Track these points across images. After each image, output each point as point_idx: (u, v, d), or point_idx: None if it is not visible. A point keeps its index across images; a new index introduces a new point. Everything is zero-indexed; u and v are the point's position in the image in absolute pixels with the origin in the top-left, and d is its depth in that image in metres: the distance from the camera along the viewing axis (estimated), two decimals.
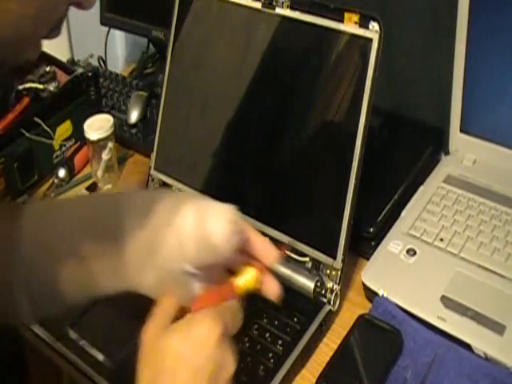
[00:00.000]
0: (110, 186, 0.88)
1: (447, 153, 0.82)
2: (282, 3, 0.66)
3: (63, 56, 1.02)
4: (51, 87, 0.90)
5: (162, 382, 0.45)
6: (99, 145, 0.85)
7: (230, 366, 0.47)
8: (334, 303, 0.65)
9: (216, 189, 0.74)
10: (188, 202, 0.53)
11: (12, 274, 0.51)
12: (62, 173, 0.88)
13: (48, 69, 0.93)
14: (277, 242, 0.61)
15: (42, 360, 0.63)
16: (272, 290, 0.54)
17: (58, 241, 0.52)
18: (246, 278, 0.53)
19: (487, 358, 0.59)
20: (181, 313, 0.50)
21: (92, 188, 0.87)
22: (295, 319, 0.64)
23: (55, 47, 1.13)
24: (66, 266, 0.52)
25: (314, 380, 0.60)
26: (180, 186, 0.77)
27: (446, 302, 0.63)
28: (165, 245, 0.51)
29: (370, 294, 0.67)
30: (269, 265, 0.55)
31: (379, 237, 0.72)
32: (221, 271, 0.53)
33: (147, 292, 0.52)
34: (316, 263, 0.65)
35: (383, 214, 0.73)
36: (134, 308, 0.53)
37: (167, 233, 0.51)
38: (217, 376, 0.46)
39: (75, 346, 0.63)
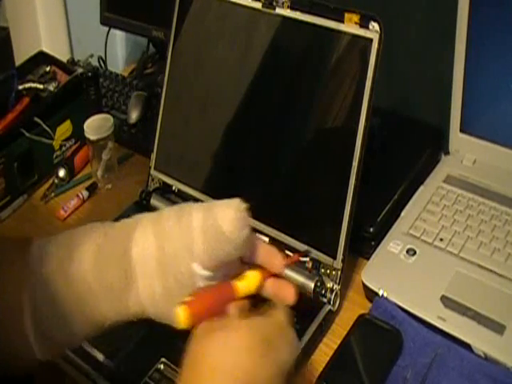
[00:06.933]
0: (109, 186, 0.89)
1: (447, 153, 0.82)
2: (282, 3, 0.66)
3: (63, 56, 1.02)
4: (51, 87, 0.90)
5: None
6: (99, 145, 0.85)
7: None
8: (334, 303, 0.65)
9: (216, 189, 0.74)
10: (193, 204, 0.52)
11: (24, 311, 0.49)
12: (62, 173, 0.88)
13: (48, 69, 0.93)
14: (292, 250, 0.61)
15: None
16: (288, 294, 0.53)
17: (65, 273, 0.50)
18: (248, 281, 0.52)
19: (487, 358, 0.59)
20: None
21: (92, 188, 0.87)
22: (295, 319, 0.63)
23: (55, 47, 1.13)
24: (73, 297, 0.50)
25: (314, 380, 0.60)
26: (180, 185, 0.77)
27: (446, 301, 0.63)
28: (172, 245, 0.50)
29: (370, 294, 0.67)
30: (275, 271, 0.54)
31: (379, 237, 0.72)
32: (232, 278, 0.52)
33: (156, 315, 0.51)
34: (316, 263, 0.65)
35: (383, 213, 0.73)
36: None
37: (174, 234, 0.50)
38: None
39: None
